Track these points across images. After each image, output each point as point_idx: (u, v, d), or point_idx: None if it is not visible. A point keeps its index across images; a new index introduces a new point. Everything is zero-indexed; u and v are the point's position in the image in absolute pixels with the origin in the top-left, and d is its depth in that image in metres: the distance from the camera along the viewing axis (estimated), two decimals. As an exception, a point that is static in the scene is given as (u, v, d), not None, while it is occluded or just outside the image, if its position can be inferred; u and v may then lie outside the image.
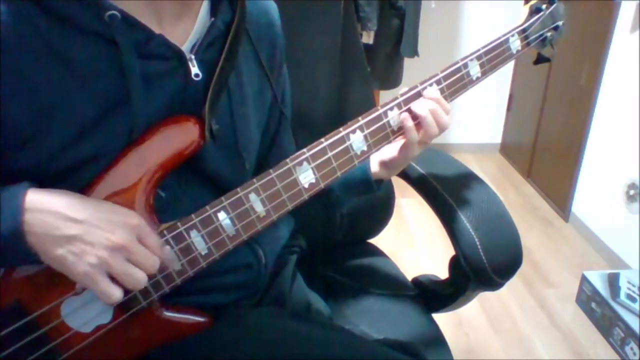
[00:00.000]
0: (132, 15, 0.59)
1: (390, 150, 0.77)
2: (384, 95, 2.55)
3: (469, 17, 2.84)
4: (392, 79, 2.45)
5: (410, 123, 0.71)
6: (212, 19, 0.67)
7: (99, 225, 0.56)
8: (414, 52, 2.39)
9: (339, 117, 1.05)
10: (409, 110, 0.72)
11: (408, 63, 2.47)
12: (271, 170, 0.66)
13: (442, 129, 0.73)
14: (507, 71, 3.00)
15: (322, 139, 0.69)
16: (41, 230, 0.53)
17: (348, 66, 1.05)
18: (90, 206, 0.57)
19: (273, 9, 0.78)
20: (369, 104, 1.08)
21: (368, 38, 2.27)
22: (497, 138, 3.18)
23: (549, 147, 2.65)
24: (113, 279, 0.56)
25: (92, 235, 0.55)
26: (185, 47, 0.65)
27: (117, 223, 0.57)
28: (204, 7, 0.67)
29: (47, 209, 0.54)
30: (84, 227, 0.55)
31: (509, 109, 3.08)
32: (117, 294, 0.56)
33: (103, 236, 0.55)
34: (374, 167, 0.81)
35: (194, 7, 0.66)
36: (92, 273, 0.55)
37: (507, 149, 3.12)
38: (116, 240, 0.56)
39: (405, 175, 0.99)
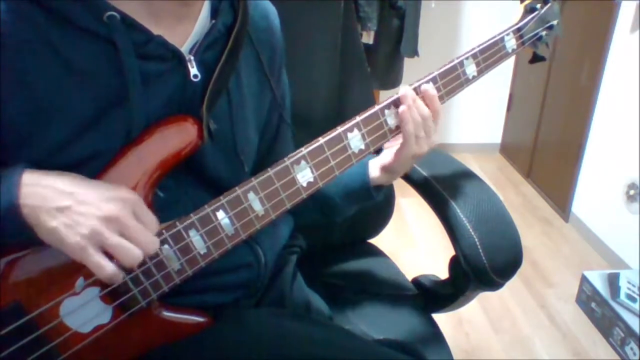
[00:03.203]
0: (131, 16, 0.59)
1: (389, 153, 0.77)
2: (384, 95, 2.54)
3: (468, 17, 2.84)
4: (392, 79, 2.45)
5: (407, 115, 0.71)
6: (213, 20, 0.67)
7: (92, 196, 0.55)
8: (414, 52, 2.39)
9: (339, 117, 1.04)
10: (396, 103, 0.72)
11: (408, 63, 2.47)
12: (269, 169, 0.66)
13: (424, 118, 0.72)
14: (507, 71, 3.00)
15: (320, 137, 0.69)
16: (35, 202, 0.53)
17: (348, 66, 1.05)
18: (84, 181, 0.57)
19: (273, 13, 0.78)
20: (369, 104, 1.07)
21: (368, 38, 2.28)
22: (497, 138, 3.18)
23: (549, 147, 2.64)
24: (109, 257, 0.55)
25: (84, 206, 0.54)
26: (184, 48, 0.65)
27: (110, 196, 0.56)
28: (205, 9, 0.67)
29: (41, 183, 0.55)
30: (76, 198, 0.54)
31: (509, 109, 3.08)
32: (109, 266, 0.54)
33: (95, 205, 0.54)
34: (375, 172, 0.80)
35: (193, 8, 0.66)
36: (84, 244, 0.53)
37: (507, 149, 3.12)
38: (108, 211, 0.54)
39: (405, 175, 0.99)
